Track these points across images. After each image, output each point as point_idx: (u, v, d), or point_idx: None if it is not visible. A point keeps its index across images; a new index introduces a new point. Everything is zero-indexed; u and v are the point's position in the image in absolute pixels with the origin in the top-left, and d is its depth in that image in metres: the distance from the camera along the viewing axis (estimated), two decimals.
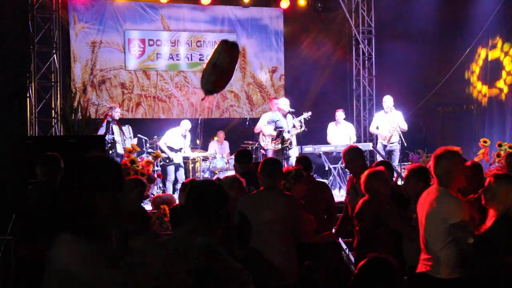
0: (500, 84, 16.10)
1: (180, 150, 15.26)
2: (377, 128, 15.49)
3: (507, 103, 15.69)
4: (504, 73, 15.98)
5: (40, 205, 6.60)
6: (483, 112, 16.21)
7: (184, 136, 15.47)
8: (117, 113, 14.93)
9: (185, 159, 15.75)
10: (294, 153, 14.24)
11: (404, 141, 14.70)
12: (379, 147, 15.38)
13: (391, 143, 15.08)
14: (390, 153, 15.10)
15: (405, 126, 15.09)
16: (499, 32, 15.89)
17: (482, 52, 16.56)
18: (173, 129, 15.54)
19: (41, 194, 6.76)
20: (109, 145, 13.16)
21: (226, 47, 11.16)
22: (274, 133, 14.45)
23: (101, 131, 13.78)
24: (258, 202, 6.30)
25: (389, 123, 15.03)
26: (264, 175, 6.41)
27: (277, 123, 14.59)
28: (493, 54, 16.29)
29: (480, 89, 16.69)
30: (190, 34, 18.13)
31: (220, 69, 11.01)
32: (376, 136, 15.83)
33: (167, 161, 15.18)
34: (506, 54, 15.94)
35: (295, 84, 18.60)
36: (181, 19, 18.10)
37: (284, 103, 14.67)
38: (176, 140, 15.31)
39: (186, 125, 15.46)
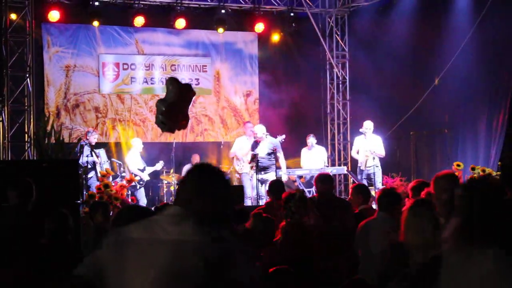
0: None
1: (144, 169, 15.31)
2: (357, 152, 15.58)
3: (480, 126, 15.81)
4: None
5: (12, 229, 6.55)
6: (456, 135, 16.31)
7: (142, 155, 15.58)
8: (94, 138, 14.91)
9: (160, 182, 15.74)
10: (271, 177, 14.23)
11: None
12: (359, 171, 15.43)
13: (368, 167, 15.14)
14: (368, 177, 15.16)
15: (382, 152, 15.22)
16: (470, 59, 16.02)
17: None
18: (131, 151, 15.57)
19: (12, 217, 6.72)
20: (82, 169, 13.06)
21: (174, 83, 11.26)
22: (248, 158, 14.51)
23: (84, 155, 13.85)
24: None
25: (366, 147, 15.14)
26: None
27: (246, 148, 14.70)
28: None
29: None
30: (165, 58, 18.13)
31: (166, 103, 11.07)
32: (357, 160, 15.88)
33: (141, 182, 15.19)
34: None
35: (269, 108, 18.64)
36: (156, 43, 18.10)
37: (260, 130, 14.69)
38: (139, 160, 15.39)
39: (139, 142, 15.71)
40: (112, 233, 3.41)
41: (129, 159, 15.42)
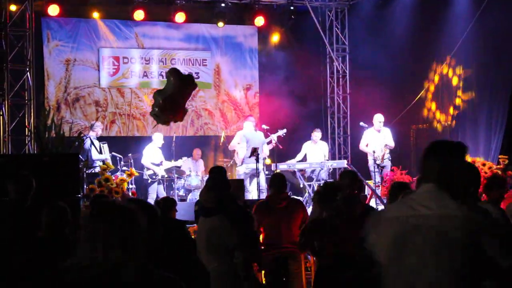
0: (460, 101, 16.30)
1: (161, 163, 15.30)
2: (367, 145, 15.62)
3: (480, 119, 15.79)
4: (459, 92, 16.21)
5: (11, 223, 6.56)
6: (456, 128, 16.31)
7: (161, 149, 15.55)
8: (100, 129, 15.09)
9: (168, 171, 15.77)
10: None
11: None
12: (371, 164, 15.44)
13: (384, 160, 15.30)
14: (381, 169, 15.25)
15: (392, 144, 15.38)
16: (470, 51, 16.00)
17: (444, 70, 16.68)
18: (149, 145, 15.58)
19: (10, 212, 6.73)
20: (82, 163, 13.07)
21: (175, 75, 11.27)
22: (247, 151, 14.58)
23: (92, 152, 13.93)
24: None
25: (380, 141, 15.28)
26: None
27: (251, 140, 14.71)
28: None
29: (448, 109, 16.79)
30: (164, 52, 18.13)
31: (164, 95, 11.09)
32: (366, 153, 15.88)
33: (153, 177, 15.21)
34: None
35: (269, 102, 18.63)
36: (156, 37, 18.09)
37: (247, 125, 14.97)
38: (155, 155, 15.38)
39: (158, 137, 15.64)
40: (373, 215, 3.68)
41: (144, 153, 15.47)
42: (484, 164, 13.47)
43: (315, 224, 6.81)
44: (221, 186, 6.67)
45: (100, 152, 14.45)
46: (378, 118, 15.57)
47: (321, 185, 7.12)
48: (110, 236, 2.97)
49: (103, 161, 14.05)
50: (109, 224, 3.00)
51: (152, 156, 15.41)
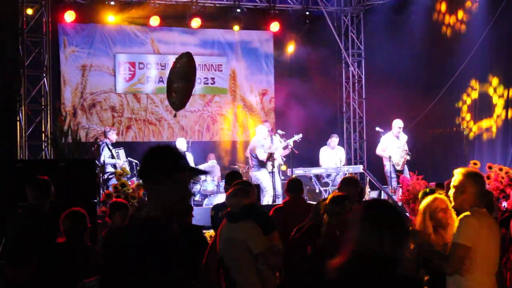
0: (490, 121, 16.06)
1: None
2: (384, 151, 15.57)
3: (497, 124, 15.68)
4: (497, 109, 15.90)
5: (30, 229, 6.57)
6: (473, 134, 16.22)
7: (185, 154, 15.46)
8: (114, 136, 15.04)
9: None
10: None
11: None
12: (388, 169, 15.37)
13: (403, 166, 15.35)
14: (399, 174, 15.20)
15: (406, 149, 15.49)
16: (486, 56, 15.88)
17: (473, 82, 16.48)
18: None
19: (30, 218, 6.73)
20: (99, 169, 13.11)
21: (189, 57, 11.43)
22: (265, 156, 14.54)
23: (104, 155, 13.94)
24: None
25: (398, 147, 15.27)
26: None
27: (267, 146, 14.71)
28: (483, 87, 16.27)
29: (468, 121, 16.61)
30: None
31: (177, 76, 11.21)
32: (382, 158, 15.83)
33: None
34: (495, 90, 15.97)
35: (285, 107, 18.62)
36: (171, 43, 18.11)
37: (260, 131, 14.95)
38: None
39: (181, 142, 15.54)
40: None
41: None
42: (501, 169, 13.36)
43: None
44: (249, 191, 6.60)
45: (113, 157, 14.46)
46: (398, 123, 15.49)
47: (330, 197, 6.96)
48: None
49: (114, 165, 14.07)
50: None
51: None
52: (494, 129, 15.76)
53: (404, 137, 15.58)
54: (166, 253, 3.21)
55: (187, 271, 3.29)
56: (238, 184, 6.85)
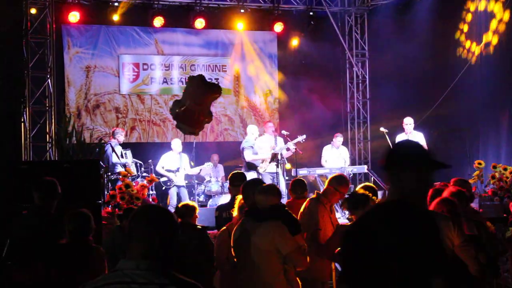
0: None
1: (178, 170, 15.22)
2: None
3: (502, 124, 15.66)
4: None
5: (36, 230, 6.57)
6: (477, 133, 16.18)
7: (180, 155, 15.42)
8: (122, 137, 15.01)
9: (188, 177, 15.69)
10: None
11: None
12: None
13: None
14: None
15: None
16: (491, 56, 15.87)
17: None
18: (168, 152, 15.53)
19: (36, 219, 6.73)
20: (103, 169, 13.12)
21: (193, 82, 11.25)
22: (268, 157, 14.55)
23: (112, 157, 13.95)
24: None
25: None
26: None
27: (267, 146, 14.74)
28: None
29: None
30: (184, 58, 18.17)
31: (181, 105, 11.07)
32: None
33: (168, 183, 15.16)
34: None
35: (289, 107, 18.62)
36: (175, 43, 18.14)
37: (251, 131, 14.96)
38: (172, 161, 15.29)
39: (176, 143, 15.48)
40: None
41: (160, 161, 15.38)
42: (505, 169, 13.34)
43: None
44: (277, 191, 6.56)
45: (122, 157, 14.46)
46: (406, 120, 15.27)
47: (352, 192, 7.02)
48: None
49: (124, 165, 14.06)
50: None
51: (168, 163, 15.31)
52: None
53: (415, 134, 15.20)
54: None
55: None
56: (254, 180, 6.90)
